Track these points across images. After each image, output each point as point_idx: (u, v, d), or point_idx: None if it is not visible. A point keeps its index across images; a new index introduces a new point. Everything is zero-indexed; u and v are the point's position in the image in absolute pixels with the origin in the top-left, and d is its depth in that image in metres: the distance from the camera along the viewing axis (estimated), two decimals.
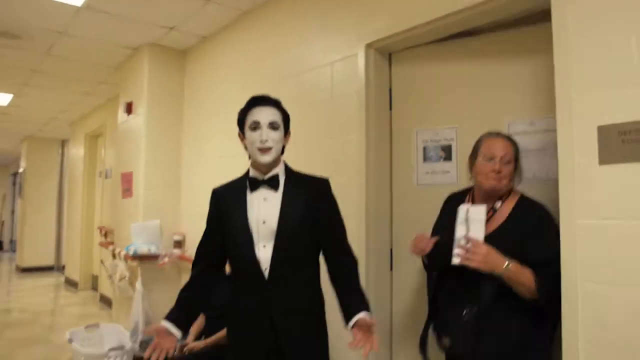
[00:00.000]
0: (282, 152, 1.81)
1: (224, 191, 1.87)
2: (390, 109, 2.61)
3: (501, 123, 2.19)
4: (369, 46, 2.54)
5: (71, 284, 7.70)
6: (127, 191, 4.28)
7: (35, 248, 9.42)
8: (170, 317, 1.72)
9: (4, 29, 3.89)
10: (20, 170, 10.12)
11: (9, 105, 6.53)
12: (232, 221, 1.75)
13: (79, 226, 7.45)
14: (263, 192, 1.75)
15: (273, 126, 1.73)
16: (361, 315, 1.58)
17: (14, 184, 13.47)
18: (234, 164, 3.62)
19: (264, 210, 1.73)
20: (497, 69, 2.27)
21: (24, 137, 9.45)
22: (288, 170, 1.85)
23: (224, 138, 3.64)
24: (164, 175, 4.14)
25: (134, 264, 3.94)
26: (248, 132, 1.74)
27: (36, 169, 9.60)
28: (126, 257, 3.89)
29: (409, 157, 2.53)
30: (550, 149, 2.00)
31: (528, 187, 1.89)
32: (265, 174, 1.77)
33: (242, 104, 1.77)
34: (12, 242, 13.21)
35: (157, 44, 4.15)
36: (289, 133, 1.85)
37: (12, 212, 13.44)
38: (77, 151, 7.82)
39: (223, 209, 1.80)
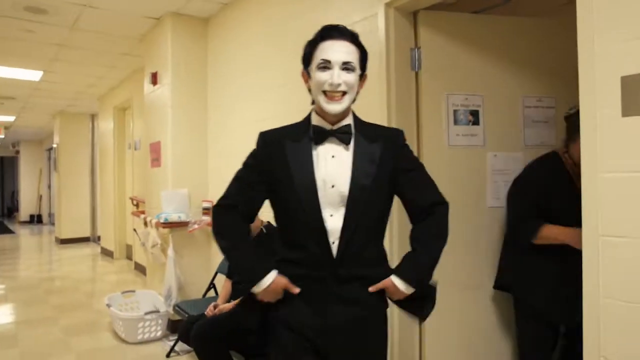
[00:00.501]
0: (355, 99, 1.49)
1: (278, 137, 1.51)
2: (415, 69, 2.56)
3: (517, 97, 2.54)
4: (388, 5, 2.48)
5: (107, 253, 8.00)
6: (156, 161, 4.37)
7: (72, 220, 9.78)
8: (268, 267, 1.45)
9: (31, 4, 3.94)
10: (54, 145, 10.42)
11: (41, 80, 6.68)
12: (291, 179, 1.41)
13: (111, 198, 7.68)
14: (331, 147, 1.45)
15: (347, 67, 1.40)
16: (389, 281, 1.45)
17: (49, 158, 13.90)
18: (258, 129, 3.64)
19: (332, 170, 1.42)
20: (521, 49, 2.53)
21: (55, 112, 9.69)
22: (357, 120, 1.54)
23: (248, 104, 3.66)
24: (191, 144, 4.20)
25: (165, 231, 4.05)
26: (315, 72, 1.42)
27: (69, 144, 9.87)
28: (157, 225, 4.01)
29: (440, 119, 2.52)
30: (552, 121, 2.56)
31: (537, 152, 2.28)
32: (333, 124, 1.47)
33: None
34: (50, 215, 13.72)
35: (179, 13, 4.15)
36: (366, 75, 1.52)
37: (49, 186, 13.91)
38: (106, 124, 7.99)
39: (278, 161, 1.46)
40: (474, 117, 2.51)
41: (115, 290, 4.56)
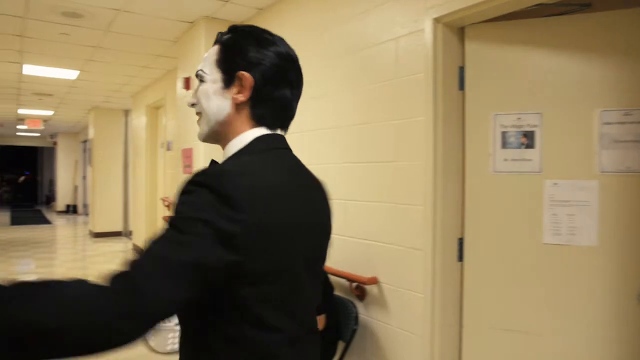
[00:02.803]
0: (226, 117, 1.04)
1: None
2: (463, 89, 2.39)
3: (591, 111, 2.11)
4: (436, 21, 2.30)
5: (139, 251, 8.06)
6: (188, 167, 4.31)
7: (105, 214, 9.93)
8: None
9: (69, 10, 3.94)
10: (89, 137, 10.58)
11: (77, 79, 6.74)
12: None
13: (143, 195, 7.72)
14: None
15: (199, 78, 1.06)
16: None
17: (84, 150, 14.18)
18: (291, 139, 3.53)
19: None
20: (588, 53, 2.07)
21: (91, 107, 9.81)
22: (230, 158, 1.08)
23: None
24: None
25: None
26: None
27: (103, 137, 10.00)
28: None
29: (485, 142, 2.32)
30: None
31: (620, 180, 1.78)
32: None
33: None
34: (85, 205, 14.01)
35: (213, 17, 4.05)
36: (241, 76, 1.01)
37: (84, 177, 14.20)
38: (139, 121, 8.02)
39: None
40: (529, 139, 2.23)
41: None
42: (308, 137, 3.20)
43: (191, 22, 4.22)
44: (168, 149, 6.43)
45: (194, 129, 4.23)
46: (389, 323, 2.56)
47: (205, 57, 1.06)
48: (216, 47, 1.06)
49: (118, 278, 0.81)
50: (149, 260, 0.83)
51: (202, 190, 0.86)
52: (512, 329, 2.23)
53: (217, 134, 1.06)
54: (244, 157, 1.00)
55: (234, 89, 1.02)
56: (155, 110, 7.43)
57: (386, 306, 2.58)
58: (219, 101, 1.03)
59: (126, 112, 10.00)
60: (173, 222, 0.86)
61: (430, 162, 2.33)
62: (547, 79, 2.17)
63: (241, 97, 1.01)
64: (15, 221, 13.04)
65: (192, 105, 1.06)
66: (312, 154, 3.16)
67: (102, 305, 0.77)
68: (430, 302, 2.31)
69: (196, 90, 1.06)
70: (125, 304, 0.77)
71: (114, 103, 9.14)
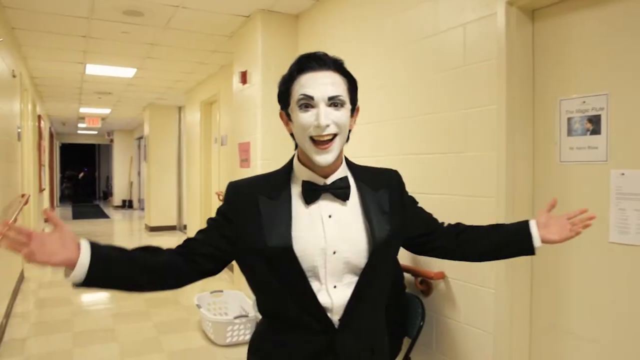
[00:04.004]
0: (347, 139, 1.21)
1: (251, 192, 1.22)
2: (532, 74, 2.25)
3: None
4: (509, 4, 2.18)
5: None
6: (245, 161, 4.33)
7: (160, 208, 10.22)
8: (95, 245, 1.10)
9: (129, 8, 4.05)
10: (144, 135, 10.91)
11: (134, 77, 6.94)
12: (264, 247, 1.14)
13: (197, 189, 7.87)
14: (326, 206, 1.19)
15: (335, 102, 1.13)
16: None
17: (139, 147, 14.66)
18: (351, 134, 3.47)
19: (332, 235, 1.16)
20: None
21: (145, 104, 10.12)
22: (351, 165, 1.28)
23: None
24: (281, 146, 4.10)
25: None
26: (296, 112, 1.15)
27: (157, 134, 10.29)
28: None
29: (552, 130, 2.17)
30: None
31: None
32: (326, 176, 1.20)
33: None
34: (140, 201, 14.50)
35: (269, 10, 4.04)
36: (358, 108, 1.25)
37: (139, 173, 14.69)
38: (193, 117, 8.18)
39: (245, 221, 1.19)
40: (594, 125, 1.99)
41: (202, 287, 4.61)
42: (370, 129, 3.13)
43: (247, 16, 4.22)
44: (222, 143, 6.52)
45: (250, 122, 4.24)
46: (457, 319, 2.47)
47: (335, 83, 1.15)
48: (341, 78, 1.18)
49: None
50: None
51: None
52: (574, 332, 2.07)
53: (342, 153, 1.25)
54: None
55: (353, 119, 1.25)
56: (209, 105, 7.56)
57: (453, 302, 2.49)
58: (349, 126, 1.21)
59: (180, 109, 10.25)
60: None
61: (503, 152, 2.21)
62: (616, 59, 1.93)
63: (353, 125, 1.26)
64: (77, 215, 13.67)
65: (325, 127, 1.13)
66: (374, 146, 3.09)
67: None
68: (506, 299, 2.20)
69: (330, 114, 1.14)
70: None
71: (168, 100, 9.38)
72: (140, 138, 13.97)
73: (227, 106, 6.14)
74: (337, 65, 1.18)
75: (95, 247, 1.09)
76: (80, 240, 1.08)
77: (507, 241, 1.36)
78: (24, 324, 4.25)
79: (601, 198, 1.95)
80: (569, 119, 2.10)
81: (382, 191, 1.26)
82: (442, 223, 1.44)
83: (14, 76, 4.83)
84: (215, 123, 7.21)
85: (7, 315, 4.31)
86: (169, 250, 1.22)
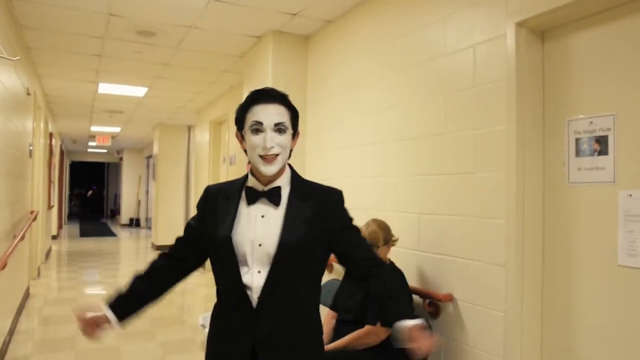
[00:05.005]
0: (289, 156, 1.51)
1: (216, 193, 1.56)
2: (542, 95, 2.25)
3: None
4: (519, 25, 2.20)
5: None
6: None
7: (167, 227, 10.20)
8: (114, 303, 1.54)
9: (143, 29, 4.12)
10: (153, 154, 10.98)
11: (145, 96, 7.03)
12: (215, 235, 1.47)
13: None
14: (261, 208, 1.47)
15: (280, 128, 1.43)
16: (417, 322, 1.47)
17: (147, 166, 14.74)
18: (358, 154, 3.48)
19: (260, 231, 1.44)
20: None
21: (156, 123, 10.21)
22: (295, 179, 1.55)
23: (348, 127, 3.50)
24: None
25: None
26: (249, 135, 1.44)
27: (166, 153, 10.35)
28: None
29: (560, 151, 2.16)
30: None
31: None
32: (266, 184, 1.49)
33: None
34: (147, 219, 14.52)
35: (280, 31, 4.10)
36: (298, 133, 1.55)
37: (147, 192, 14.74)
38: (202, 137, 8.24)
39: (209, 216, 1.52)
40: (601, 145, 1.98)
41: (207, 306, 4.57)
42: (377, 149, 3.13)
43: (258, 37, 4.29)
44: (231, 163, 6.55)
45: None
46: (466, 343, 2.42)
47: (280, 113, 1.45)
48: (285, 109, 1.47)
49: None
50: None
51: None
52: (586, 357, 2.02)
53: (284, 168, 1.53)
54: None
55: (294, 141, 1.54)
56: (218, 125, 7.61)
57: (462, 324, 2.45)
58: (290, 146, 1.50)
59: (189, 128, 10.33)
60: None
61: (513, 172, 2.20)
62: (622, 79, 1.93)
63: (293, 146, 1.54)
64: (84, 233, 13.70)
65: (270, 148, 1.42)
66: (382, 166, 3.08)
67: None
68: (516, 322, 2.16)
69: (275, 138, 1.44)
70: None
71: (178, 119, 9.47)
72: (149, 157, 14.07)
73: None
74: (283, 99, 1.48)
75: (112, 305, 1.55)
76: (102, 306, 1.55)
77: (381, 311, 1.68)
78: (27, 342, 4.21)
79: (609, 220, 1.93)
80: (577, 140, 2.09)
81: (308, 203, 1.49)
82: (369, 263, 1.58)
83: (28, 94, 4.91)
84: (224, 142, 7.25)
85: (11, 332, 4.28)
86: (161, 259, 1.62)
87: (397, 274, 2.53)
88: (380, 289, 1.56)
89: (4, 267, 3.24)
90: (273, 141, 1.41)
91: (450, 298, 2.50)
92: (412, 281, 2.67)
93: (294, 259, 1.44)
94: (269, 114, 1.42)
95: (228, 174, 6.83)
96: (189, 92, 6.84)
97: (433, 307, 2.59)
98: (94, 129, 10.97)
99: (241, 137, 1.51)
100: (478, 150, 2.39)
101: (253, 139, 1.42)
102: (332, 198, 1.55)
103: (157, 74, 5.72)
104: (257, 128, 1.41)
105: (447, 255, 2.56)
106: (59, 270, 7.78)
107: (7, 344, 3.97)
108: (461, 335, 2.45)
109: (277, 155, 1.42)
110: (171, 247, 1.62)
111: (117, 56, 5.01)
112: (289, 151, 1.49)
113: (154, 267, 1.61)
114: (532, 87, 2.23)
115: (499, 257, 2.25)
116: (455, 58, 2.54)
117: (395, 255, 2.70)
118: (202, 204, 1.57)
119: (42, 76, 6.03)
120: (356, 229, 1.59)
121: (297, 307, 1.48)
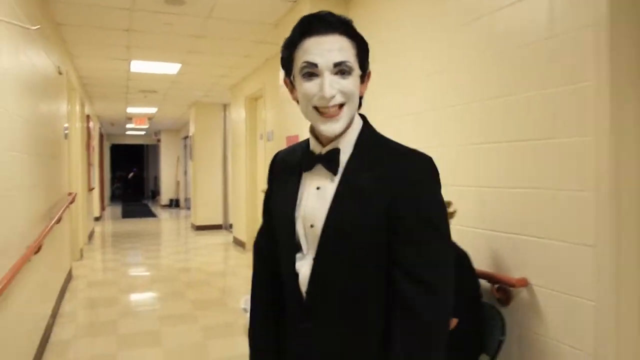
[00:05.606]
0: (360, 105, 1.11)
1: (282, 159, 1.26)
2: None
3: None
4: None
5: (239, 243, 8.09)
6: None
7: (206, 208, 10.17)
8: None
9: None
10: (190, 134, 10.90)
11: (178, 73, 6.84)
12: (275, 211, 1.20)
13: (243, 188, 7.71)
14: (318, 177, 1.11)
15: (342, 69, 1.03)
16: None
17: (184, 146, 14.77)
18: (403, 124, 3.16)
19: (313, 207, 1.09)
20: None
21: (191, 102, 10.08)
22: (364, 137, 1.12)
23: (393, 95, 3.17)
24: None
25: None
26: (299, 80, 1.06)
27: (203, 133, 10.25)
28: None
29: None
30: None
31: None
32: (326, 144, 1.11)
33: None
34: (186, 200, 14.61)
35: None
36: (369, 73, 1.14)
37: (185, 173, 14.80)
38: (238, 114, 8.03)
39: (275, 188, 1.24)
40: None
41: (249, 288, 4.38)
42: (427, 118, 2.80)
43: (294, 1, 3.96)
44: (268, 139, 6.31)
45: (296, 115, 3.97)
46: (544, 334, 2.10)
47: (341, 48, 1.03)
48: (349, 41, 1.06)
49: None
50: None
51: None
52: None
53: (352, 121, 1.12)
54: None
55: (363, 86, 1.13)
56: (254, 101, 7.38)
57: (539, 313, 2.13)
58: (358, 93, 1.09)
59: (225, 106, 10.17)
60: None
61: (605, 136, 1.84)
62: None
63: (363, 91, 1.14)
64: (126, 214, 13.91)
65: (332, 98, 1.03)
66: (436, 135, 2.75)
67: None
68: (610, 313, 1.82)
69: (336, 83, 1.04)
70: None
71: (213, 97, 9.30)
72: (186, 137, 14.06)
73: (273, 101, 5.92)
74: (344, 27, 1.06)
75: None
76: None
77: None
78: (70, 325, 4.15)
79: None
80: None
81: (374, 172, 1.06)
82: (409, 283, 1.01)
83: (60, 73, 4.77)
84: (260, 119, 7.02)
85: (54, 314, 4.23)
86: (260, 280, 1.31)
87: (465, 270, 2.21)
88: (399, 350, 1.01)
89: (38, 250, 3.11)
90: (333, 87, 1.01)
91: (525, 283, 2.17)
92: (480, 264, 2.36)
93: (342, 247, 1.05)
94: (326, 50, 1.01)
95: (266, 150, 6.60)
96: (222, 67, 6.60)
97: (503, 292, 2.28)
98: (130, 110, 10.96)
99: (290, 84, 1.12)
100: (557, 111, 2.03)
101: (306, 87, 1.03)
102: (408, 168, 1.04)
103: (189, 47, 5.49)
104: (310, 71, 1.02)
105: (518, 234, 2.23)
106: (102, 252, 7.82)
107: (50, 327, 3.92)
108: (538, 325, 2.13)
109: (341, 105, 1.03)
110: (258, 233, 1.33)
111: (147, 30, 4.80)
112: (357, 100, 1.08)
113: (253, 295, 1.32)
114: (629, 33, 1.84)
115: (586, 235, 1.91)
116: (525, 5, 2.16)
117: (459, 234, 2.38)
118: (269, 175, 1.28)
119: (74, 56, 5.91)
120: (434, 230, 1.03)
121: (349, 313, 1.08)
